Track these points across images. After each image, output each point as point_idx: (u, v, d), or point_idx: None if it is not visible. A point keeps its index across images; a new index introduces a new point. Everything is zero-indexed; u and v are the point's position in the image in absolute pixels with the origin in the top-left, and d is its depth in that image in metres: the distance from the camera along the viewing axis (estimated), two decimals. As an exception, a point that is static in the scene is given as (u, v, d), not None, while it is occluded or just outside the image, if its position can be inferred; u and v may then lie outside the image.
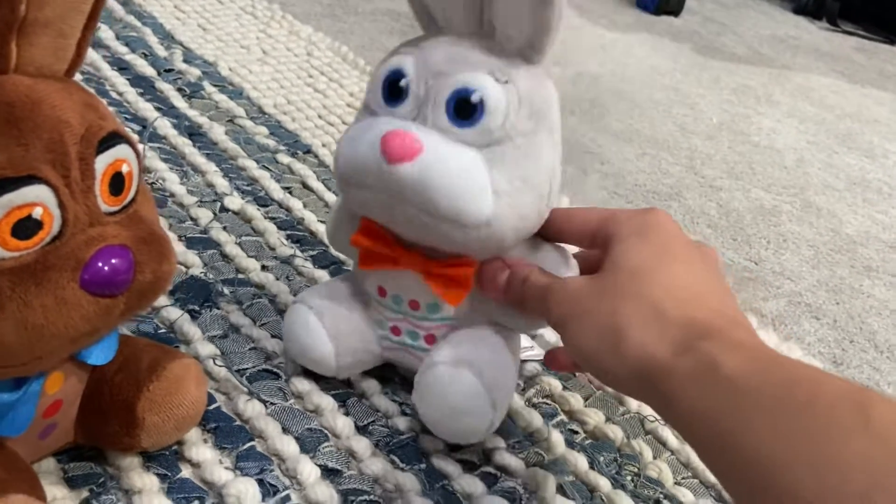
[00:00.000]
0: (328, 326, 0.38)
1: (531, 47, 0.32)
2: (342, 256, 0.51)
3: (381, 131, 0.32)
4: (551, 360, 0.40)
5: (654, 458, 0.41)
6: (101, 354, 0.30)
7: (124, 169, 0.26)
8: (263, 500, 0.34)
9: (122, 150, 0.26)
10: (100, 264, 0.25)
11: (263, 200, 0.54)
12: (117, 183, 0.26)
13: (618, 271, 0.30)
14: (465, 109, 0.32)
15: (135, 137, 0.28)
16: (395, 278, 0.37)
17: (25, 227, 0.23)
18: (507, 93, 0.32)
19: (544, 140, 0.33)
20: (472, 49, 0.33)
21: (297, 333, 0.39)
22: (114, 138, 0.26)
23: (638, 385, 0.28)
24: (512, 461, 0.38)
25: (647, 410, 0.43)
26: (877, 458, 0.21)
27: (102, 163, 0.25)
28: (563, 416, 0.42)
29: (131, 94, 0.63)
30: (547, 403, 0.43)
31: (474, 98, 0.31)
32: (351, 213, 0.38)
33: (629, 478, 0.39)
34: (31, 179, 0.23)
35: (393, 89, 0.33)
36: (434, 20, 0.35)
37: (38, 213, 0.23)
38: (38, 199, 0.23)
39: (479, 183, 0.31)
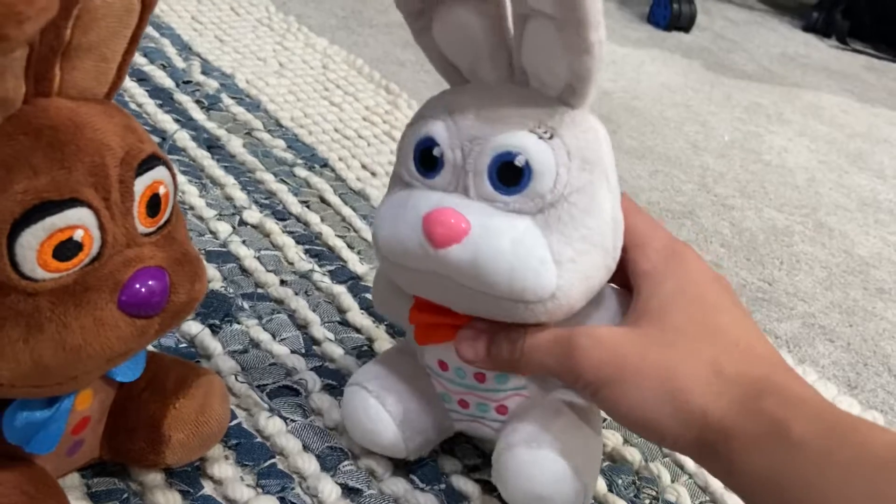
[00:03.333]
0: (392, 411, 0.35)
1: (572, 93, 0.29)
2: (360, 271, 0.51)
3: (420, 210, 0.29)
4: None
5: (673, 481, 0.41)
6: (129, 372, 0.30)
7: (161, 191, 0.27)
8: (285, 518, 0.34)
9: (159, 172, 0.26)
10: (137, 286, 0.25)
11: (281, 214, 0.55)
12: (154, 204, 0.26)
13: (664, 326, 0.28)
14: (510, 175, 0.28)
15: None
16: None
17: (66, 249, 0.23)
18: (553, 149, 0.28)
19: (601, 189, 0.30)
20: (506, 102, 0.29)
21: (359, 420, 0.36)
22: (152, 160, 0.26)
23: (699, 449, 0.27)
24: (531, 483, 0.38)
25: (665, 433, 0.43)
26: None
27: (141, 185, 0.26)
28: (580, 437, 0.42)
29: (150, 105, 0.63)
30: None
31: (518, 161, 0.28)
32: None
33: (647, 501, 0.39)
34: (73, 202, 0.23)
35: (426, 159, 0.30)
36: (459, 72, 0.32)
37: (79, 235, 0.24)
38: (80, 221, 0.24)
39: (537, 255, 0.28)
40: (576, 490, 0.32)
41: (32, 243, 0.23)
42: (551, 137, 0.29)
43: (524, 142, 0.28)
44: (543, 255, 0.28)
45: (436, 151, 0.30)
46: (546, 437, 0.32)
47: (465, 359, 0.32)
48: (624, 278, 0.32)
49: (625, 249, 0.31)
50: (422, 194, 0.30)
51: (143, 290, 0.25)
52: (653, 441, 0.29)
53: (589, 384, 0.29)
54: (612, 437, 0.42)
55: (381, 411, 0.35)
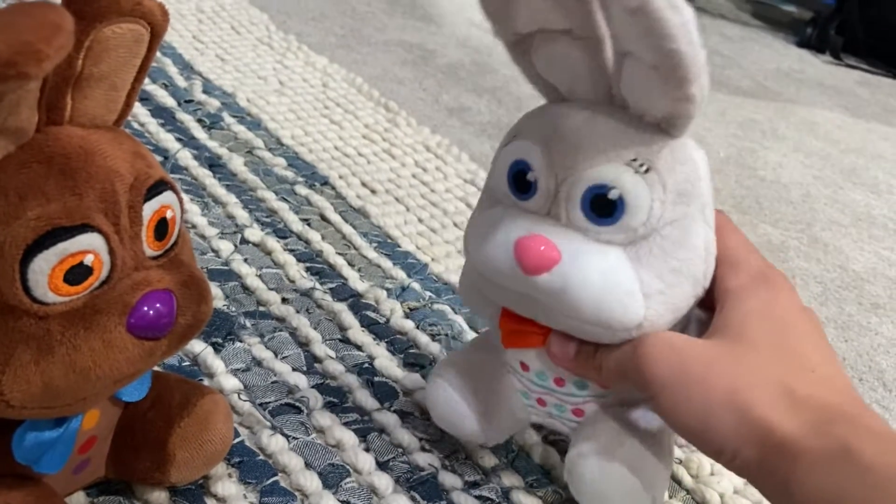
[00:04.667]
0: (472, 404, 0.37)
1: (672, 125, 0.28)
2: (361, 288, 0.51)
3: (513, 235, 0.30)
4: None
5: (671, 497, 0.41)
6: (134, 391, 0.31)
7: (168, 215, 0.27)
8: (288, 535, 0.34)
9: (167, 197, 0.27)
10: (145, 308, 0.25)
11: (282, 232, 0.55)
12: (161, 228, 0.27)
13: (738, 340, 0.28)
14: (603, 207, 0.29)
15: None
16: (540, 355, 0.34)
17: (77, 273, 0.24)
18: (648, 184, 0.28)
19: (696, 220, 0.30)
20: (602, 130, 0.29)
21: (442, 411, 0.38)
22: (160, 185, 0.27)
23: (757, 466, 0.26)
24: (530, 501, 0.38)
25: (663, 449, 0.43)
26: None
27: (149, 209, 0.26)
28: (579, 454, 0.43)
29: (152, 124, 0.64)
30: (564, 440, 0.43)
31: (612, 195, 0.28)
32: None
33: (645, 517, 0.40)
34: (84, 228, 0.24)
35: (520, 182, 0.30)
36: (557, 91, 0.32)
37: (89, 259, 0.24)
38: (91, 246, 0.24)
39: (625, 288, 0.29)
40: (647, 501, 0.33)
41: (44, 268, 0.23)
42: (647, 171, 0.28)
43: (619, 176, 0.28)
44: (632, 287, 0.29)
45: (529, 176, 0.30)
46: (619, 452, 0.33)
47: (555, 357, 0.33)
48: (710, 298, 0.32)
49: (715, 267, 0.31)
50: (515, 217, 0.31)
51: (151, 312, 0.25)
52: (707, 453, 0.28)
53: (649, 384, 0.28)
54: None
55: (461, 405, 0.37)
